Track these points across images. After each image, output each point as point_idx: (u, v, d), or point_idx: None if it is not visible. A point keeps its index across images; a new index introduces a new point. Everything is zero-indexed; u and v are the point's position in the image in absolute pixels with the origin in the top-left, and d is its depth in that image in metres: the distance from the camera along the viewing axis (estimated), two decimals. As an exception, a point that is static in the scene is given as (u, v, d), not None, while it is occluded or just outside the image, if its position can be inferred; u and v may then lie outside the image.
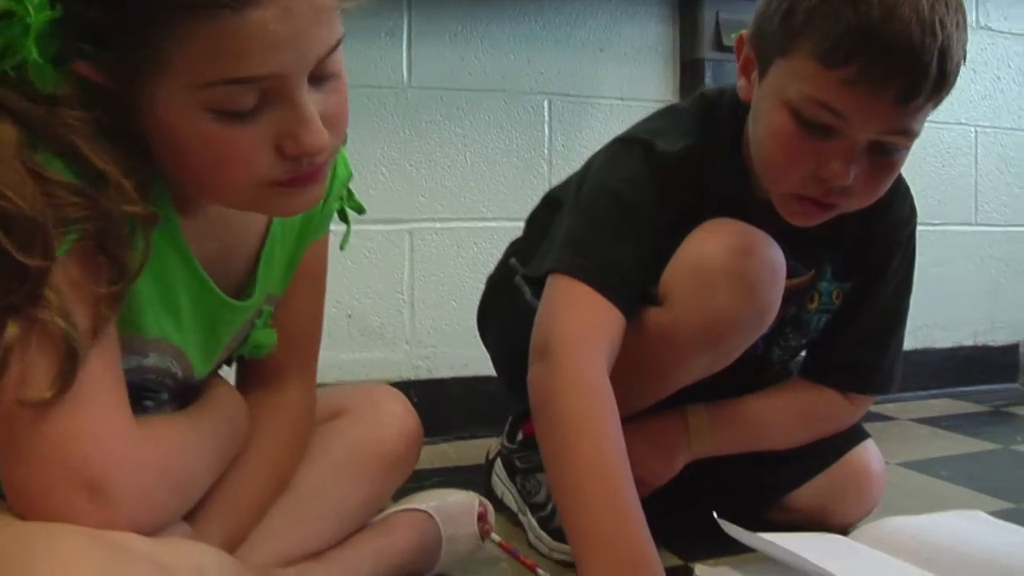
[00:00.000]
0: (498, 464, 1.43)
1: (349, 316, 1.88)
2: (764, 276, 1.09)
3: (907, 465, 1.71)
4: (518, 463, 1.33)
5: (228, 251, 0.90)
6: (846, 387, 1.30)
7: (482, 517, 1.16)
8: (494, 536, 1.26)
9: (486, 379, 1.92)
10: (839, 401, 1.30)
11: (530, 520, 1.28)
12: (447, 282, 1.96)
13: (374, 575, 1.04)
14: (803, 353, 1.35)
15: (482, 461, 1.51)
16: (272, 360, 1.00)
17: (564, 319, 1.06)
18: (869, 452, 1.32)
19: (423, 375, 1.94)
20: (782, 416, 1.28)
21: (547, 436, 1.01)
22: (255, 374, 1.02)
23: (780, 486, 1.30)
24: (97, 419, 0.72)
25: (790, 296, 1.18)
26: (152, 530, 0.74)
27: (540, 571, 1.18)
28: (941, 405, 2.34)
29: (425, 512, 1.12)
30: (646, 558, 0.90)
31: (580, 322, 1.06)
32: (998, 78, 2.55)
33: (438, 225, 1.95)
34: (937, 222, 2.46)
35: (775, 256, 1.11)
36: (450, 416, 1.91)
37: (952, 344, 2.51)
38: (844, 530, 1.26)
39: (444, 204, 1.95)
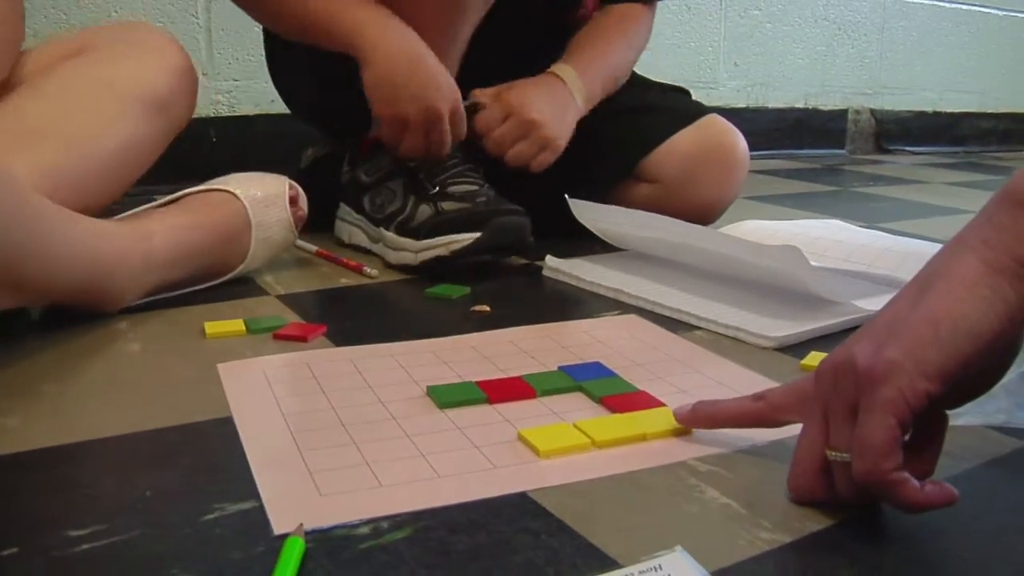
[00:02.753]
0: (342, 208, 1.18)
1: (134, 41, 1.61)
2: None
3: (753, 199, 1.62)
4: (364, 178, 1.10)
5: None
6: None
7: (294, 201, 0.98)
8: (310, 246, 1.08)
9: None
10: (641, 11, 1.29)
11: (387, 236, 1.06)
12: (250, 4, 1.71)
13: (174, 256, 0.85)
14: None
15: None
16: None
17: None
18: (724, 121, 1.25)
19: (223, 111, 1.70)
20: (617, 41, 1.24)
21: None
22: None
23: (638, 142, 1.22)
24: None
25: None
26: None
27: (367, 270, 1.01)
28: (774, 163, 2.30)
29: (229, 192, 0.93)
30: None
31: None
32: None
33: (238, -65, 1.68)
34: (772, -24, 2.36)
35: None
36: (255, 158, 1.67)
37: (783, 105, 2.44)
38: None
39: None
